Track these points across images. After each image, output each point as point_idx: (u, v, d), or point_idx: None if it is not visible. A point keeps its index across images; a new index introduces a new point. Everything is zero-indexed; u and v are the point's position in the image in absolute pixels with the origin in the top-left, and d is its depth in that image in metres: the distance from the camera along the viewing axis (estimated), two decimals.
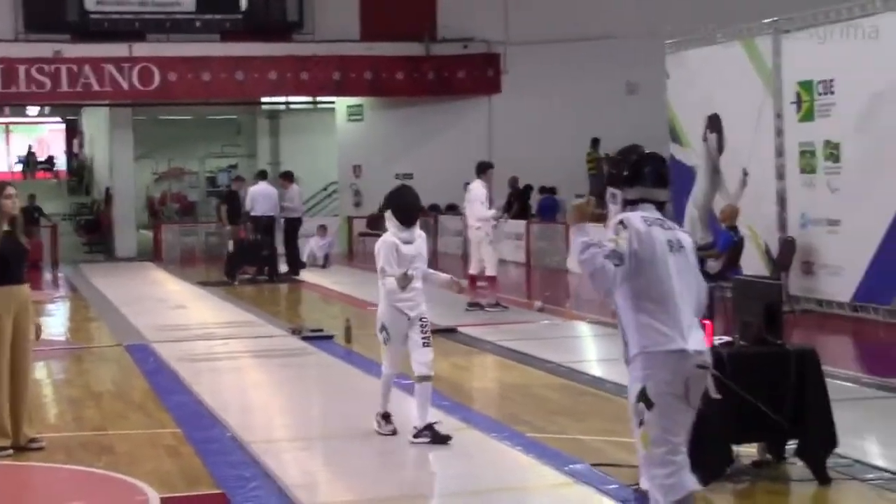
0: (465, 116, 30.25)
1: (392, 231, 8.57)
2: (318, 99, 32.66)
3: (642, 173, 5.49)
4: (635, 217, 5.37)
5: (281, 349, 13.68)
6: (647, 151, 5.67)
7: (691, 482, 5.39)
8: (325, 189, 33.31)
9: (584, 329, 15.27)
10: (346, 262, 26.83)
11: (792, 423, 7.42)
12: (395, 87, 29.67)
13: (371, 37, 29.45)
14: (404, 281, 8.27)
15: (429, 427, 8.38)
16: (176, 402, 10.52)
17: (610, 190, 5.53)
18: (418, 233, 8.67)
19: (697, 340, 5.39)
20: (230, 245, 22.59)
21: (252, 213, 22.49)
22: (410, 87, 29.72)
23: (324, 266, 24.74)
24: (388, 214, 8.64)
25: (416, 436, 8.42)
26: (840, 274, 15.32)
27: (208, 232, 29.19)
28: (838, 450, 7.53)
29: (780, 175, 16.36)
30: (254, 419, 9.90)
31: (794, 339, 10.85)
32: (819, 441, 7.43)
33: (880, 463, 7.84)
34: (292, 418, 10.06)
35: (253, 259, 22.46)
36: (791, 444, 7.67)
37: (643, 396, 5.33)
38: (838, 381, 9.97)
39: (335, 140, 31.26)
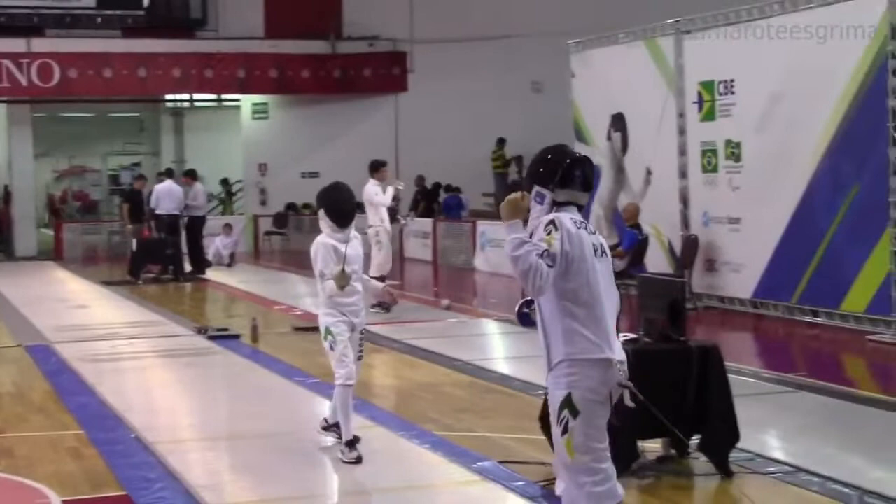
0: (372, 115, 30.21)
1: (326, 232, 8.06)
2: (223, 97, 32.37)
3: (573, 176, 5.33)
4: (566, 218, 5.21)
5: (186, 349, 13.54)
6: (578, 153, 5.57)
7: (620, 489, 5.30)
8: (229, 187, 33.05)
9: (491, 327, 15.35)
10: (251, 261, 26.63)
11: (695, 418, 7.53)
12: (301, 85, 29.52)
13: (276, 34, 29.27)
14: (342, 280, 7.77)
15: (338, 425, 8.20)
16: (78, 403, 10.36)
17: (537, 189, 5.32)
18: (353, 234, 8.13)
19: (619, 349, 5.32)
20: (133, 244, 22.32)
21: (156, 212, 22.23)
22: (316, 85, 29.60)
23: (229, 265, 24.54)
24: (321, 214, 8.11)
25: (324, 429, 8.35)
26: (741, 271, 15.60)
27: (111, 230, 28.80)
28: (740, 444, 7.67)
29: (683, 174, 16.60)
30: (159, 420, 9.78)
31: (698, 336, 10.97)
32: (722, 436, 7.56)
33: (780, 456, 8.00)
34: (198, 418, 9.95)
35: (157, 258, 22.20)
36: (694, 439, 7.79)
37: (568, 404, 5.21)
38: (740, 377, 10.15)
39: (240, 138, 31.02)
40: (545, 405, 7.93)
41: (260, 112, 30.64)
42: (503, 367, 12.00)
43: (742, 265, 15.58)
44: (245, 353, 13.07)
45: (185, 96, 33.26)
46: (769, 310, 15.19)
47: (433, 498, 7.30)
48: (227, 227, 25.66)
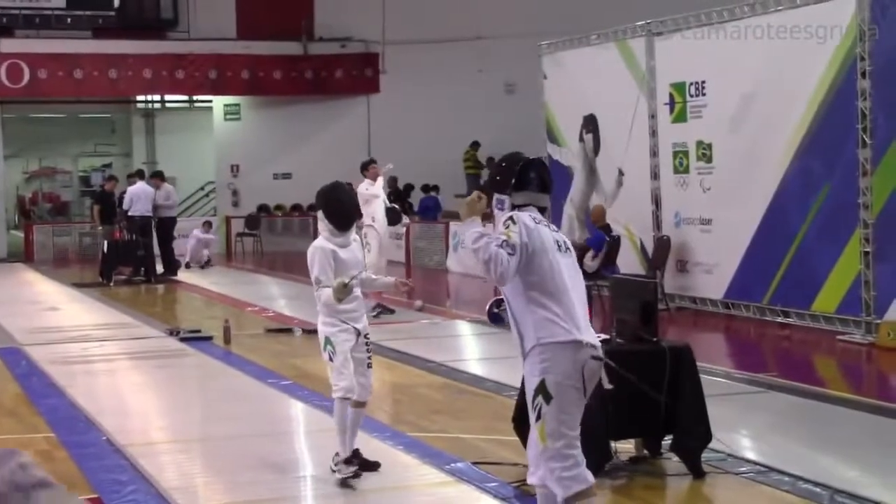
0: (344, 116, 30.18)
1: (325, 236, 7.56)
2: (195, 98, 32.27)
3: (528, 178, 5.60)
4: (524, 215, 5.48)
5: (158, 350, 13.49)
6: (531, 157, 5.77)
7: (590, 475, 5.45)
8: (202, 189, 32.95)
9: (464, 328, 15.36)
10: (224, 263, 26.55)
11: (667, 418, 7.56)
12: (273, 86, 29.46)
13: (248, 35, 29.19)
14: (342, 293, 7.22)
15: (356, 454, 7.60)
16: (49, 405, 10.30)
17: (497, 197, 5.58)
18: (354, 236, 7.74)
19: (591, 335, 5.50)
20: (105, 245, 22.22)
21: (130, 213, 22.13)
22: (288, 86, 29.55)
23: (207, 264, 24.55)
24: (320, 216, 7.65)
25: (339, 464, 7.63)
26: (713, 272, 15.66)
27: (82, 232, 28.65)
28: (712, 444, 7.70)
29: (655, 175, 16.65)
30: (131, 422, 9.74)
31: (670, 336, 11.02)
32: (694, 436, 7.59)
33: (751, 456, 8.03)
34: (170, 421, 9.91)
35: (128, 259, 22.13)
36: (667, 440, 7.83)
37: (542, 389, 5.36)
38: (712, 377, 10.21)
39: (212, 139, 30.92)
40: (518, 406, 7.96)
41: (232, 113, 30.54)
42: (476, 369, 12.01)
43: (714, 266, 15.65)
44: (217, 355, 13.04)
45: (157, 97, 33.13)
46: (741, 310, 15.26)
47: (407, 499, 7.30)
48: (207, 225, 25.63)
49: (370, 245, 15.75)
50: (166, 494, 7.33)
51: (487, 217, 5.63)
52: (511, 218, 5.42)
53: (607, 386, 5.60)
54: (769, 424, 9.28)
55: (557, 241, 5.51)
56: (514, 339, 5.54)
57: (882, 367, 12.32)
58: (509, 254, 5.26)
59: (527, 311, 5.41)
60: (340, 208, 7.61)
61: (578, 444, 5.43)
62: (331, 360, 7.50)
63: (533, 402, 5.41)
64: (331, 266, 7.40)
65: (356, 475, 7.42)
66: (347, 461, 7.47)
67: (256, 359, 12.65)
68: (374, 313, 15.26)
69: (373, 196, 15.69)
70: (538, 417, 5.39)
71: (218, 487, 7.68)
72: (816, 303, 13.94)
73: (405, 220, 20.45)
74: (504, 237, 5.32)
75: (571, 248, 5.63)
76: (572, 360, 5.35)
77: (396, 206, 16.79)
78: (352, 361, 7.50)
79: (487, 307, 6.73)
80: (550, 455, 5.40)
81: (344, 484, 7.37)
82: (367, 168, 16.09)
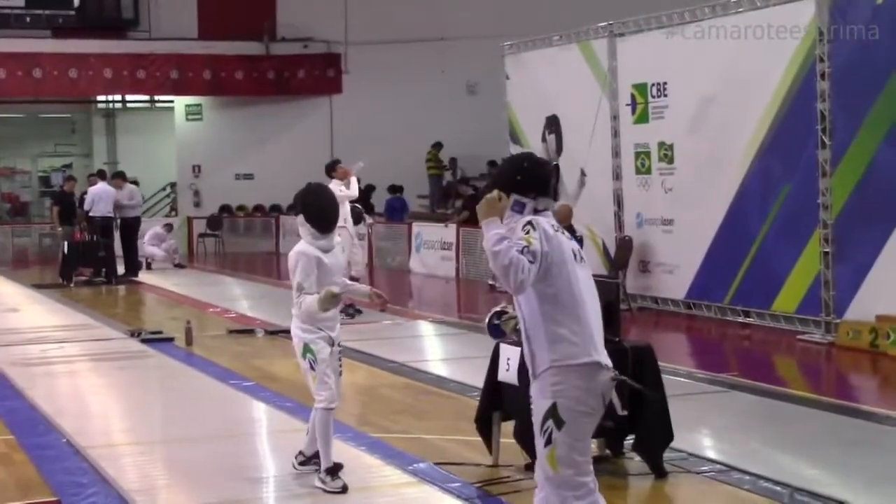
0: (307, 116, 30.11)
1: (307, 239, 7.24)
2: (156, 98, 32.09)
3: (550, 185, 5.28)
4: (543, 222, 5.11)
5: (119, 352, 13.40)
6: (550, 162, 5.53)
7: (604, 502, 5.20)
8: (164, 189, 32.78)
9: (426, 328, 15.36)
10: (186, 264, 26.39)
11: (629, 418, 7.58)
12: (235, 86, 29.36)
13: (209, 35, 29.06)
14: (330, 302, 7.02)
15: (318, 455, 7.47)
16: (7, 407, 10.21)
17: (517, 198, 5.15)
18: (337, 239, 7.48)
19: (606, 355, 5.21)
20: (65, 246, 22.05)
21: (91, 214, 21.98)
22: (250, 86, 29.45)
23: (178, 265, 24.56)
24: (300, 220, 7.29)
25: (302, 464, 7.67)
26: (674, 272, 15.74)
27: (42, 233, 28.41)
28: (673, 443, 7.74)
29: (617, 175, 16.72)
30: (91, 424, 9.67)
31: (632, 336, 11.09)
32: (656, 435, 7.62)
33: (713, 455, 8.08)
34: (131, 422, 9.85)
35: (89, 260, 21.96)
36: (629, 440, 7.86)
37: (553, 414, 5.07)
38: (674, 377, 10.26)
39: (174, 140, 30.76)
40: (481, 406, 7.98)
41: (193, 113, 30.40)
42: (439, 369, 12.01)
43: (675, 266, 15.73)
44: (179, 357, 12.97)
45: (118, 97, 32.90)
46: (702, 310, 15.35)
47: (370, 500, 7.28)
48: (168, 227, 25.48)
49: (343, 248, 15.62)
50: (127, 497, 7.28)
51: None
52: (531, 223, 5.05)
53: (621, 412, 5.31)
54: (730, 424, 9.34)
55: (574, 251, 5.19)
56: (526, 356, 5.24)
57: (841, 367, 12.42)
58: (530, 261, 4.90)
59: (540, 325, 5.10)
60: (322, 210, 7.32)
61: (591, 468, 5.15)
62: (312, 368, 7.25)
63: (542, 425, 5.10)
64: (314, 272, 7.14)
65: (344, 489, 7.21)
66: (331, 472, 7.28)
67: (218, 360, 12.60)
68: (350, 312, 15.24)
69: (347, 198, 15.60)
70: (548, 442, 5.09)
71: (179, 489, 7.64)
72: (777, 303, 14.04)
73: (368, 219, 20.39)
74: (525, 243, 4.94)
75: (585, 258, 5.30)
76: (589, 383, 5.08)
77: (358, 206, 16.70)
78: (332, 369, 7.32)
79: (487, 319, 6.62)
80: (561, 483, 5.10)
81: (341, 489, 7.23)
82: (334, 169, 15.96)
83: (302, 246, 7.24)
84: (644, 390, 5.18)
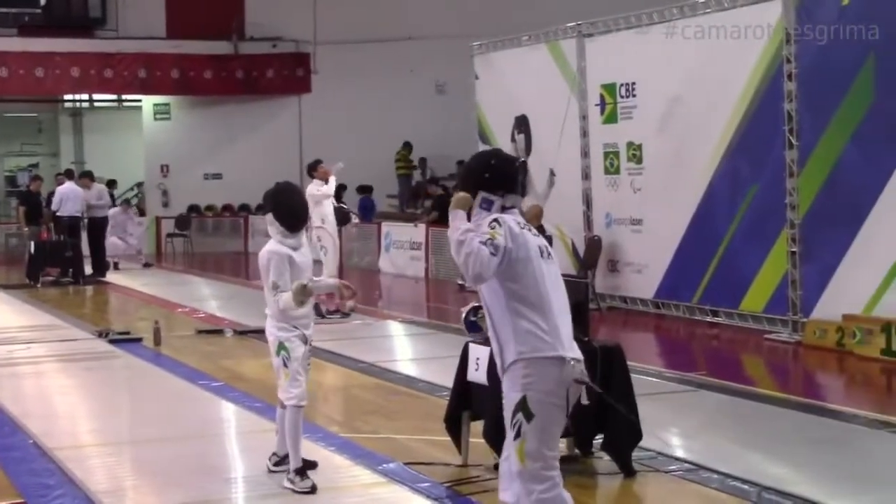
0: (275, 116, 30.04)
1: (277, 239, 7.28)
2: (124, 97, 31.94)
3: (518, 182, 5.37)
4: (509, 218, 5.21)
5: (86, 352, 13.33)
6: (518, 159, 5.62)
7: (569, 497, 5.26)
8: (132, 189, 32.61)
9: (396, 328, 15.35)
10: (154, 264, 26.27)
11: (598, 418, 7.61)
12: (203, 85, 29.25)
13: (177, 34, 28.94)
14: (303, 294, 7.06)
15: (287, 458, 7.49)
16: None
17: (484, 195, 5.25)
18: (304, 239, 7.51)
19: (575, 349, 5.27)
20: (31, 246, 21.90)
21: (59, 214, 21.83)
22: (219, 85, 29.35)
23: (146, 265, 24.43)
24: (269, 218, 7.33)
25: (277, 464, 7.66)
26: (643, 272, 15.80)
27: (8, 233, 28.23)
28: (642, 443, 7.76)
29: (586, 175, 16.77)
30: (58, 425, 9.61)
31: (601, 336, 11.12)
32: (624, 435, 7.64)
33: (681, 454, 8.12)
34: (99, 423, 9.79)
35: (56, 260, 21.81)
36: (598, 439, 7.88)
37: (523, 407, 5.13)
38: (643, 377, 10.30)
39: (142, 139, 30.62)
40: (450, 406, 7.98)
41: (161, 113, 30.27)
42: (409, 369, 12.01)
43: (644, 266, 15.79)
44: (147, 357, 12.91)
45: (85, 96, 32.73)
46: (671, 310, 15.41)
47: (339, 500, 7.27)
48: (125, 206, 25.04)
49: (326, 248, 15.54)
50: (94, 498, 7.24)
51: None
52: (497, 220, 5.15)
53: (585, 402, 5.38)
54: (699, 423, 9.38)
55: (541, 248, 5.27)
56: (494, 350, 5.31)
57: (808, 366, 12.50)
58: (491, 253, 5.01)
59: (508, 323, 5.18)
60: (291, 209, 7.35)
61: (557, 464, 5.23)
62: (285, 365, 7.28)
63: (512, 419, 5.16)
64: (288, 271, 7.18)
65: (313, 490, 7.20)
66: (300, 472, 7.27)
67: (187, 360, 12.55)
68: (324, 312, 15.19)
69: (324, 196, 15.55)
70: (517, 435, 5.15)
71: (148, 490, 7.61)
72: (744, 302, 14.12)
73: (354, 219, 20.32)
74: (489, 236, 5.07)
75: (554, 255, 5.39)
76: (556, 377, 5.13)
77: (344, 206, 16.68)
78: (303, 369, 7.38)
79: (464, 315, 6.66)
80: (529, 476, 5.16)
81: (310, 489, 7.21)
82: (316, 169, 15.94)
83: (272, 245, 7.28)
84: (606, 396, 5.22)
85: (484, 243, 5.02)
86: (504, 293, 5.17)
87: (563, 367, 5.16)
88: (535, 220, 16.02)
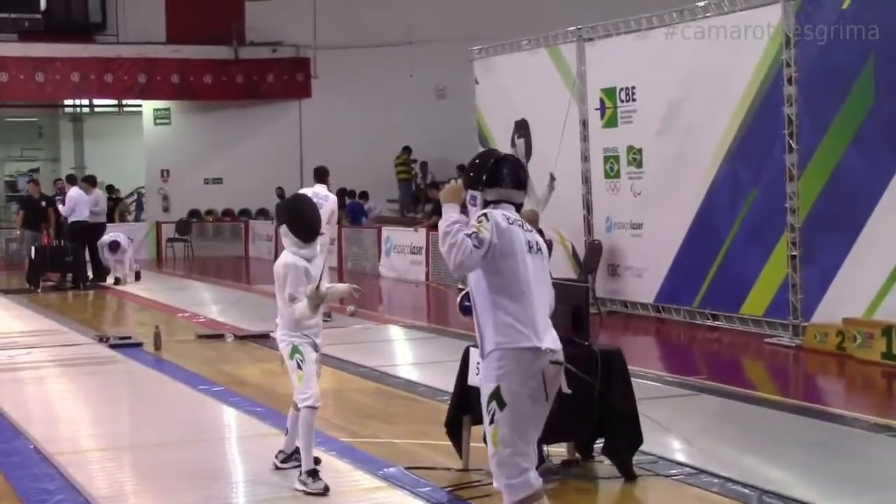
0: (276, 121, 30.07)
1: (292, 250, 7.40)
2: (124, 102, 31.96)
3: (501, 175, 5.53)
4: (497, 213, 5.41)
5: (87, 357, 13.33)
6: (505, 154, 5.76)
7: (536, 480, 5.41)
8: (132, 194, 32.65)
9: (396, 333, 15.35)
10: (154, 269, 26.29)
11: (599, 422, 7.61)
12: (204, 90, 29.29)
13: (177, 39, 28.99)
14: (317, 298, 7.17)
15: (298, 452, 7.63)
16: None
17: (470, 193, 5.51)
18: (318, 248, 7.66)
19: (552, 339, 5.45)
20: (32, 251, 21.88)
21: (72, 219, 21.73)
22: (219, 90, 29.39)
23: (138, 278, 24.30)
24: (283, 230, 7.46)
25: (284, 461, 7.82)
26: (643, 276, 15.80)
27: (9, 238, 28.21)
28: (643, 447, 7.76)
29: (586, 180, 16.77)
30: (59, 430, 9.61)
31: (601, 340, 11.12)
32: (625, 439, 7.64)
33: (682, 458, 8.11)
34: (100, 428, 9.80)
35: (56, 265, 21.80)
36: (598, 443, 7.88)
37: (496, 396, 5.35)
38: (643, 381, 10.29)
39: (142, 144, 30.64)
40: (451, 410, 7.98)
41: (162, 118, 30.31)
42: (409, 373, 12.01)
43: (644, 270, 15.79)
44: (148, 362, 12.91)
45: (85, 101, 32.76)
46: (671, 314, 15.41)
47: None
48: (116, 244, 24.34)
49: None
50: (95, 503, 7.24)
51: (464, 209, 5.56)
52: (485, 215, 5.37)
53: (566, 390, 5.56)
54: (699, 427, 9.37)
55: (529, 242, 5.48)
56: (478, 338, 5.53)
57: (809, 369, 12.50)
58: (475, 246, 5.22)
59: (489, 312, 5.39)
60: (305, 221, 7.47)
61: (529, 451, 5.42)
62: (299, 367, 7.41)
63: (487, 406, 5.39)
64: (304, 282, 7.30)
65: (326, 491, 7.24)
66: (312, 473, 7.32)
67: (187, 365, 12.55)
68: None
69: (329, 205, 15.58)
70: (491, 422, 5.38)
71: (148, 495, 7.61)
72: (745, 306, 14.11)
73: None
74: (475, 230, 5.28)
75: (544, 249, 5.59)
76: (530, 367, 5.33)
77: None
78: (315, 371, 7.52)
79: (459, 299, 6.72)
80: (499, 461, 5.39)
81: (323, 490, 7.25)
82: (327, 174, 15.96)
83: (288, 257, 7.40)
84: (583, 376, 5.46)
85: (469, 236, 5.23)
86: (487, 286, 5.39)
87: (538, 357, 5.36)
88: (531, 224, 16.04)
